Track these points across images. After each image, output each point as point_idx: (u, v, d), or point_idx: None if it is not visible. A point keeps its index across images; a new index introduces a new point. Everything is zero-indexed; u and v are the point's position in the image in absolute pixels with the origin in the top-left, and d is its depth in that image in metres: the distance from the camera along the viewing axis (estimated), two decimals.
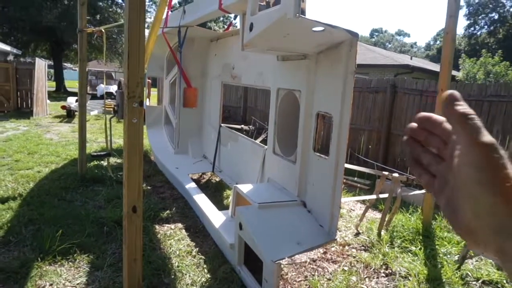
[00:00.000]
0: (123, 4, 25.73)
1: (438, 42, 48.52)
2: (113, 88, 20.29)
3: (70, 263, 3.20)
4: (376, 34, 75.90)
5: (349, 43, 2.72)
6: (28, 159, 6.51)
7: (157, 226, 4.09)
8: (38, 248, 3.35)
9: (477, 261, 3.80)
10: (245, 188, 3.54)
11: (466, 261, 3.69)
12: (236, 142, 5.17)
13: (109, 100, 12.71)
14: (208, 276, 3.16)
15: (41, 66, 13.17)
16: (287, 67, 3.60)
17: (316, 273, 3.34)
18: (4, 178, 5.31)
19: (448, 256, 3.83)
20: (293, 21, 2.29)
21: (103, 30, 5.24)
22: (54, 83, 27.76)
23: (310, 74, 3.19)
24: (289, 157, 3.60)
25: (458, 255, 3.75)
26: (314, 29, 2.50)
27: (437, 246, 4.04)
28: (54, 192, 4.81)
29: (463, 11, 37.74)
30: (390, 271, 3.48)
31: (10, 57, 19.99)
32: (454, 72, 13.89)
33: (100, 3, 25.44)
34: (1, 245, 3.43)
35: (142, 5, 2.16)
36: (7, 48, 20.17)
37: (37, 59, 13.67)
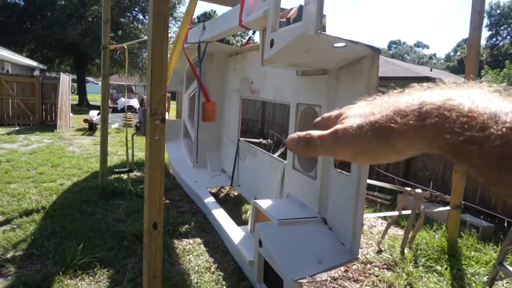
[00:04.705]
0: (144, 20, 26.72)
1: (458, 53, 47.67)
2: (134, 102, 20.72)
3: (91, 277, 3.22)
4: (394, 46, 75.24)
5: (370, 58, 2.69)
6: (52, 171, 6.67)
7: (176, 241, 4.09)
8: (60, 261, 3.39)
9: (507, 282, 3.63)
10: (264, 203, 3.50)
11: (496, 282, 3.52)
12: (255, 157, 5.15)
13: (130, 113, 12.95)
14: None
15: (65, 80, 13.60)
16: (306, 82, 3.58)
17: None
18: (29, 190, 5.45)
19: (477, 276, 3.66)
20: (315, 38, 2.28)
21: (126, 47, 5.37)
22: (77, 97, 28.66)
23: (331, 89, 3.16)
24: (309, 173, 3.55)
25: (487, 276, 3.58)
26: (336, 45, 2.49)
27: (464, 266, 3.87)
28: (76, 205, 4.89)
29: (484, 22, 37.08)
30: None
31: (36, 72, 20.82)
32: None
33: (122, 20, 26.31)
34: (24, 258, 3.49)
35: (165, 25, 2.19)
36: (33, 63, 21.06)
37: (61, 74, 14.14)
